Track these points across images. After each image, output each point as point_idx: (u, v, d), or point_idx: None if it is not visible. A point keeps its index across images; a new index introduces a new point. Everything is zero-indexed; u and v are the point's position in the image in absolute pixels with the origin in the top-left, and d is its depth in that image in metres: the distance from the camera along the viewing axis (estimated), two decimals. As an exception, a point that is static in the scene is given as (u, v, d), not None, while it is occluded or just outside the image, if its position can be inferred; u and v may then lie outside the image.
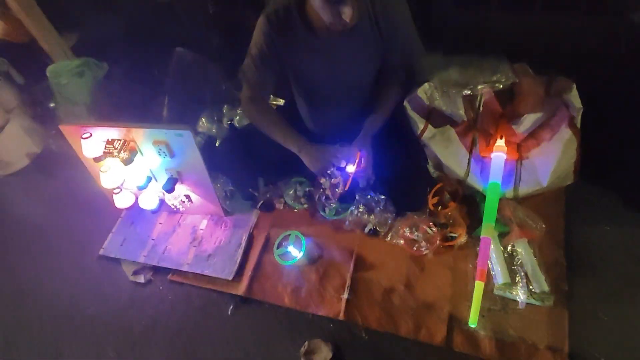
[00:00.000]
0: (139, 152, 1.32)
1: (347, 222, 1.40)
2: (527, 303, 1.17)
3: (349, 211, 1.40)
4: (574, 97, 1.11)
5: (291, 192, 1.50)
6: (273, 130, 1.28)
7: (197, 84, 1.69)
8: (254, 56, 1.21)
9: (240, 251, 1.43)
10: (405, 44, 1.14)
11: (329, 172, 1.29)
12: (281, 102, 1.53)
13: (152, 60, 1.84)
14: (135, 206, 1.47)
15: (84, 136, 1.27)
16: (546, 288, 1.17)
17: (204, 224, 1.54)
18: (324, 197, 1.43)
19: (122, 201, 1.43)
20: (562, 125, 1.16)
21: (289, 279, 1.35)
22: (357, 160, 1.27)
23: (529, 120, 1.24)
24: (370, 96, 1.33)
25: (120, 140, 1.29)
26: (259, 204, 1.53)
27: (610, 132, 1.42)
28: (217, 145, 1.61)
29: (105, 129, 1.29)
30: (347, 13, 0.92)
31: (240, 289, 1.35)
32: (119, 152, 1.28)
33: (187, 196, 1.47)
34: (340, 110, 1.36)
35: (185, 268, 1.42)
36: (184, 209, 1.53)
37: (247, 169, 1.49)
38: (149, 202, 1.45)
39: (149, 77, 1.85)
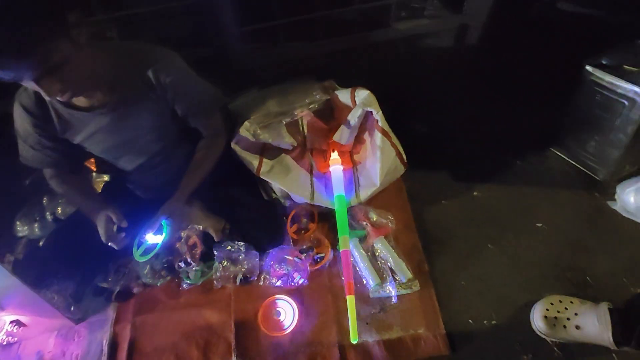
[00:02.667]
0: None
1: (215, 281, 1.32)
2: (399, 295, 1.23)
3: (214, 269, 1.32)
4: (373, 104, 1.21)
5: (147, 269, 1.34)
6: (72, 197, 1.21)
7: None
8: (25, 140, 1.10)
9: (104, 359, 1.23)
10: (193, 95, 1.11)
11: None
12: (106, 177, 1.38)
13: None
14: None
15: None
16: (410, 275, 1.26)
17: (51, 343, 1.28)
18: (183, 264, 1.33)
19: None
20: (374, 128, 1.27)
21: (169, 366, 1.21)
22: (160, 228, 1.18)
23: (343, 130, 1.33)
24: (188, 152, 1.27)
25: None
26: (114, 295, 1.34)
27: (420, 119, 1.63)
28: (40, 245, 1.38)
29: None
30: (47, 90, 0.85)
31: (113, 404, 1.15)
32: None
33: (16, 322, 1.21)
34: (157, 174, 1.27)
35: (35, 409, 1.16)
36: (17, 338, 1.26)
37: (86, 261, 1.29)
38: (-37, 347, 1.16)
39: None
